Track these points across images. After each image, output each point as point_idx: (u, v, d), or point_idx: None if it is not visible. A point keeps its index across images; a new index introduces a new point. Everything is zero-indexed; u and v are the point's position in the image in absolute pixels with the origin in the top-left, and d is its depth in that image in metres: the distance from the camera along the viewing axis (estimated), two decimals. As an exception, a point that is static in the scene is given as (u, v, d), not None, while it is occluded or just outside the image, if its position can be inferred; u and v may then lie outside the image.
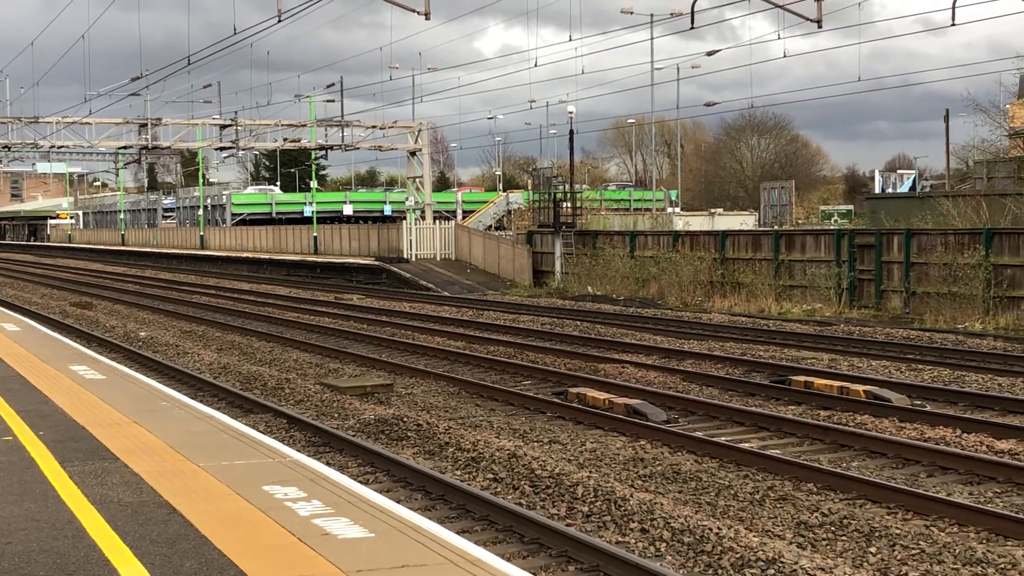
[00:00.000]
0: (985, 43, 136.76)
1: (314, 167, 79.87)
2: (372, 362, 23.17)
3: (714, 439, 14.69)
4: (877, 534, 10.29)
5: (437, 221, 58.33)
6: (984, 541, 10.39)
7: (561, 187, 48.33)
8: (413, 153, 58.88)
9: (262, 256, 68.48)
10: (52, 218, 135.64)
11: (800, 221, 66.75)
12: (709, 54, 53.86)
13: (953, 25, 30.36)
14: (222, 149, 58.46)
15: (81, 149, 65.25)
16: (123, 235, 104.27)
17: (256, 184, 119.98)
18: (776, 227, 53.03)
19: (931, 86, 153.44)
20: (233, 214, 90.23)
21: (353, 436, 14.89)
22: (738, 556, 9.44)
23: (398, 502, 10.06)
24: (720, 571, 9.34)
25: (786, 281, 36.11)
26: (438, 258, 54.84)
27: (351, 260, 58.22)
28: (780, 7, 28.79)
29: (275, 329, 30.58)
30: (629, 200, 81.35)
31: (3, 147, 56.82)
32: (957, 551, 9.78)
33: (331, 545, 7.69)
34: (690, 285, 38.48)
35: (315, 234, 67.48)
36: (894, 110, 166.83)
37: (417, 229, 55.83)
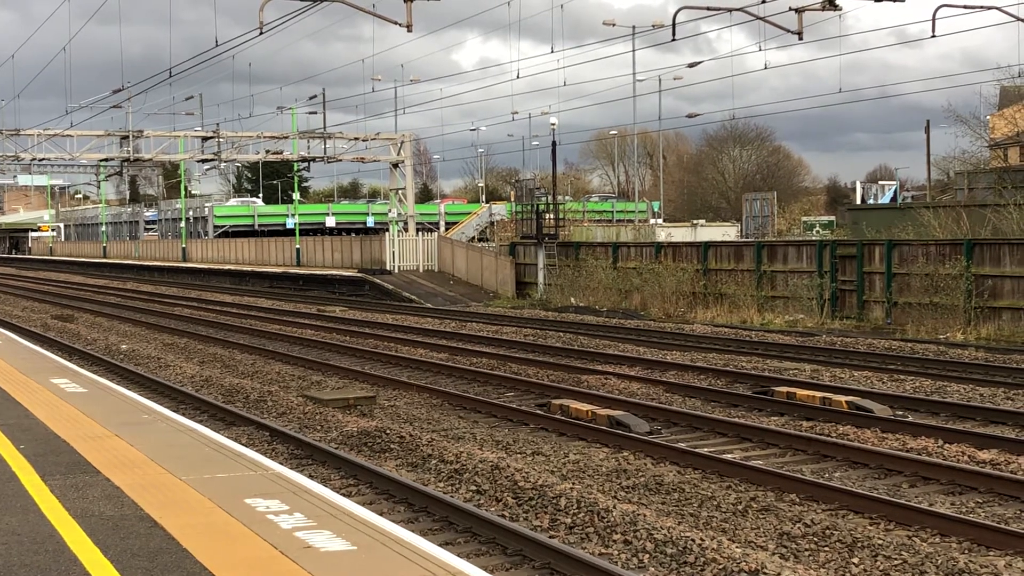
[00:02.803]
0: (960, 54, 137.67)
1: (296, 179, 79.79)
2: (355, 374, 23.13)
3: (697, 450, 14.70)
4: (860, 544, 10.30)
5: (420, 233, 58.31)
6: (966, 551, 10.41)
7: (544, 199, 48.35)
8: (396, 165, 58.88)
9: (244, 268, 68.36)
10: (33, 231, 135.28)
11: (782, 232, 66.90)
12: (691, 66, 53.97)
13: (933, 36, 30.47)
14: (204, 161, 58.36)
15: (63, 162, 64.99)
16: (105, 247, 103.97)
17: (238, 196, 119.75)
18: (758, 238, 53.15)
19: (908, 97, 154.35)
20: (215, 226, 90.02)
21: (336, 448, 14.86)
22: (721, 567, 9.44)
23: (381, 514, 10.04)
24: (703, 582, 9.34)
25: (768, 292, 36.19)
26: (421, 270, 54.83)
27: (334, 272, 58.15)
28: (761, 19, 28.88)
29: (257, 341, 30.52)
30: (612, 211, 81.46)
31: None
32: (939, 561, 9.79)
33: (313, 558, 7.67)
34: (673, 296, 38.53)
35: (297, 246, 67.37)
36: (872, 121, 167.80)
37: (400, 241, 55.81)
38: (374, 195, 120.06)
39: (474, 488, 12.66)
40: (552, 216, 47.11)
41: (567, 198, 74.75)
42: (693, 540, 10.02)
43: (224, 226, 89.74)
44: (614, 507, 11.20)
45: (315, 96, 67.40)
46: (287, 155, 59.65)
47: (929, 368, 22.66)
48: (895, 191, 74.19)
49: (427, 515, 11.59)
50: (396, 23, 25.74)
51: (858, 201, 71.28)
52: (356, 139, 59.03)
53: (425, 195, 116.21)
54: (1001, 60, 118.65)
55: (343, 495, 10.77)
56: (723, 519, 11.42)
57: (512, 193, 64.75)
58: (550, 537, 10.57)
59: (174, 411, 15.69)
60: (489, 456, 13.84)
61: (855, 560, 10.00)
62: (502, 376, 22.29)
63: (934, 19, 30.20)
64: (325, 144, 58.06)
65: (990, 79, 65.55)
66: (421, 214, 68.90)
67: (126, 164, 58.33)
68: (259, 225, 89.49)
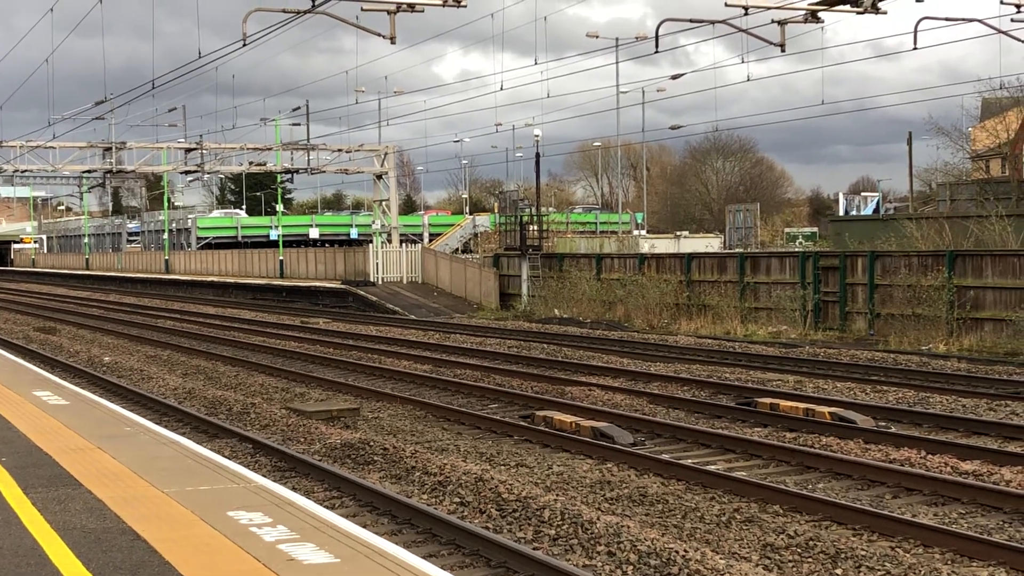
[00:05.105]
0: (938, 67, 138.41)
1: (280, 191, 79.71)
2: (338, 386, 23.09)
3: (680, 461, 14.70)
4: (843, 555, 10.32)
5: (404, 244, 58.31)
6: (949, 562, 10.43)
7: (527, 210, 48.41)
8: (379, 176, 58.87)
9: (228, 280, 68.21)
10: (16, 243, 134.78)
11: (765, 243, 67.09)
12: (674, 77, 54.12)
13: (915, 49, 30.55)
14: (187, 173, 58.28)
15: (45, 173, 64.79)
16: (87, 259, 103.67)
17: (222, 208, 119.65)
18: (741, 249, 53.27)
19: (888, 110, 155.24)
20: (198, 238, 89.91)
21: (319, 461, 14.82)
22: (705, 579, 9.44)
23: (364, 527, 10.02)
24: (687, 594, 9.33)
25: (752, 303, 36.25)
26: (405, 281, 54.79)
27: (317, 284, 58.07)
28: (744, 31, 28.93)
29: (241, 353, 30.44)
30: (595, 223, 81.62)
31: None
32: (922, 572, 9.81)
33: (297, 571, 7.65)
34: (656, 307, 38.56)
35: (281, 258, 67.29)
36: (852, 133, 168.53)
37: (384, 252, 55.77)
38: (358, 207, 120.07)
39: (458, 500, 12.65)
40: (536, 228, 47.15)
41: (551, 210, 74.85)
42: (677, 551, 10.01)
43: (207, 238, 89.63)
44: (598, 519, 11.19)
45: (298, 108, 67.44)
46: (270, 167, 59.63)
47: (912, 379, 22.71)
48: (878, 202, 74.44)
49: (411, 527, 11.57)
50: (380, 35, 25.74)
51: (841, 212, 71.49)
52: (339, 151, 59.01)
53: (409, 207, 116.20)
54: (979, 73, 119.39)
55: (326, 507, 10.75)
56: (707, 530, 11.43)
57: (496, 205, 64.86)
58: (534, 549, 10.56)
59: (157, 423, 15.65)
60: (473, 468, 13.83)
61: (838, 571, 10.01)
62: (486, 388, 22.27)
63: (916, 31, 30.30)
64: (308, 156, 58.04)
65: (971, 91, 65.90)
66: (405, 226, 68.94)
67: (109, 176, 58.22)
68: (242, 237, 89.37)
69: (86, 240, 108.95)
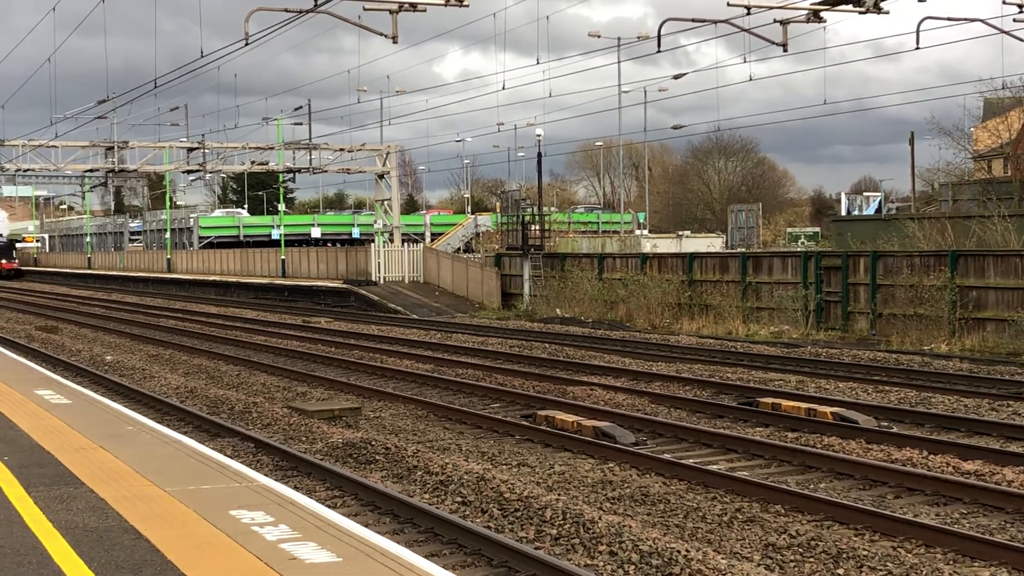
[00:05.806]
0: (937, 67, 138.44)
1: (282, 190, 79.70)
2: (340, 385, 23.10)
3: (682, 461, 14.70)
4: (845, 555, 10.32)
5: (406, 244, 58.31)
6: (951, 562, 10.43)
7: (529, 209, 48.37)
8: (381, 176, 58.87)
9: (230, 279, 68.21)
10: (18, 242, 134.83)
11: (767, 243, 67.05)
12: (676, 77, 54.12)
13: (917, 48, 30.53)
14: (189, 172, 58.30)
15: (47, 172, 64.85)
16: (89, 258, 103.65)
17: (223, 207, 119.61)
18: (743, 249, 53.24)
19: (888, 110, 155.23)
20: (200, 237, 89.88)
21: (321, 460, 14.82)
22: (707, 578, 9.44)
23: (366, 526, 10.02)
24: (689, 593, 9.33)
25: (753, 303, 36.22)
26: (407, 281, 54.79)
27: (319, 283, 58.08)
28: (747, 31, 28.93)
29: (242, 352, 30.45)
30: (597, 222, 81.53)
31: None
32: (924, 572, 9.81)
33: (298, 570, 7.65)
34: (658, 307, 38.54)
35: (283, 257, 67.28)
36: (852, 133, 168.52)
37: (385, 252, 55.77)
38: (360, 206, 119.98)
39: (460, 499, 12.65)
40: (538, 227, 47.12)
41: (553, 209, 74.81)
42: (679, 551, 10.01)
43: (209, 237, 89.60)
44: (600, 518, 11.19)
45: (300, 107, 67.35)
46: (272, 166, 59.64)
47: (914, 379, 22.70)
48: (880, 202, 74.39)
49: (413, 527, 11.57)
50: (382, 35, 25.75)
51: (843, 212, 71.46)
52: (341, 150, 59.02)
53: (411, 206, 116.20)
54: (980, 72, 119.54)
55: (328, 507, 10.75)
56: (709, 530, 11.43)
57: (498, 204, 64.77)
58: (536, 548, 10.55)
59: (159, 423, 15.65)
60: (475, 467, 13.82)
61: (840, 571, 10.01)
62: (488, 387, 22.27)
63: (918, 31, 30.27)
64: (311, 155, 58.05)
65: (972, 91, 65.85)
66: (407, 225, 68.95)
67: (111, 175, 58.26)
68: (244, 236, 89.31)
69: (88, 239, 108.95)
